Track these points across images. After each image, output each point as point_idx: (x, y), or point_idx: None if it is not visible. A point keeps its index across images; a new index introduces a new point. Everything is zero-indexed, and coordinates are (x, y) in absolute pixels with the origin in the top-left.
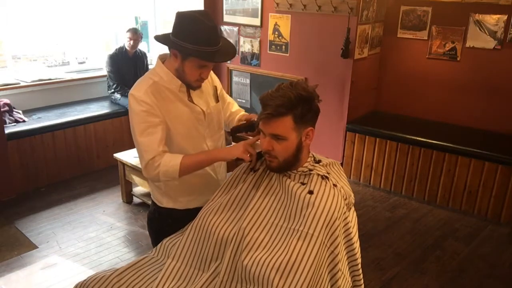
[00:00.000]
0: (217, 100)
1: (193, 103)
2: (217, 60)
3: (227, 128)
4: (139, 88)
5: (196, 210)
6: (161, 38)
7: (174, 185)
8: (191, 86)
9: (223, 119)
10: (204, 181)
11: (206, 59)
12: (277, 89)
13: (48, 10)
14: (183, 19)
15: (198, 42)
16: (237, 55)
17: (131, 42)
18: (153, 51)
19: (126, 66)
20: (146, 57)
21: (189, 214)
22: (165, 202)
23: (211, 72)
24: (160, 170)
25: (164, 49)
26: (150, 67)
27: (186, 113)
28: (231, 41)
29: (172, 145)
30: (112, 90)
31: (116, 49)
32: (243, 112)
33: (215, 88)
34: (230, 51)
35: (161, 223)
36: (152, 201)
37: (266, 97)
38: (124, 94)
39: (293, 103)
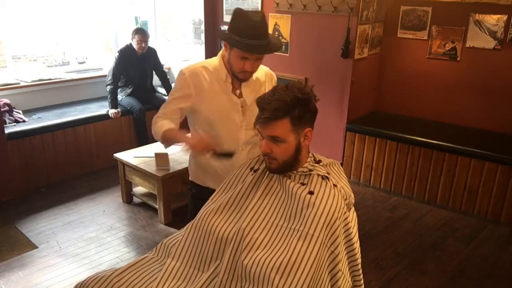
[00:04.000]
0: None
1: (235, 94)
2: (253, 51)
3: None
4: (189, 67)
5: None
6: (220, 32)
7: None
8: (237, 77)
9: None
10: (219, 167)
11: (243, 50)
12: (273, 92)
13: (48, 10)
14: (235, 14)
15: (242, 35)
16: None
17: (143, 44)
18: None
19: (133, 64)
20: (155, 52)
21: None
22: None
23: (273, 74)
24: (153, 128)
25: (167, 51)
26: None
27: (223, 100)
28: None
29: (207, 126)
30: (110, 85)
31: (126, 45)
32: None
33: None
34: (273, 46)
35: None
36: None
37: (263, 100)
38: (127, 94)
39: (289, 106)
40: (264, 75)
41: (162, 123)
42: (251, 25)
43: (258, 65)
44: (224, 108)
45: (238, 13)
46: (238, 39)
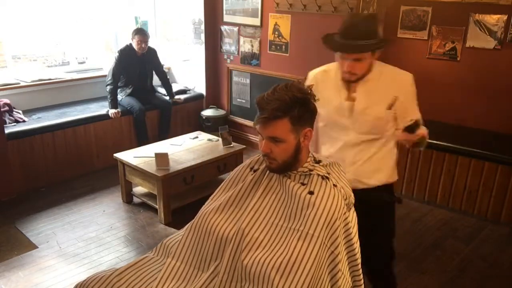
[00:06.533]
0: (388, 108)
1: (349, 98)
2: (338, 50)
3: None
4: (314, 71)
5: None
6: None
7: None
8: (344, 77)
9: (386, 127)
10: None
11: (333, 49)
12: (272, 92)
13: (48, 10)
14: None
15: (340, 35)
16: (237, 55)
17: (143, 44)
18: None
19: (133, 64)
20: (155, 52)
21: None
22: None
23: (401, 81)
24: None
25: (167, 51)
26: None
27: (333, 100)
28: (231, 40)
29: (320, 122)
30: (110, 85)
31: (126, 45)
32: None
33: (395, 98)
34: (362, 46)
35: None
36: None
37: (262, 100)
38: (127, 94)
39: (289, 106)
40: (390, 80)
41: None
42: (348, 25)
43: (360, 67)
44: (332, 108)
45: (348, 15)
46: (334, 39)
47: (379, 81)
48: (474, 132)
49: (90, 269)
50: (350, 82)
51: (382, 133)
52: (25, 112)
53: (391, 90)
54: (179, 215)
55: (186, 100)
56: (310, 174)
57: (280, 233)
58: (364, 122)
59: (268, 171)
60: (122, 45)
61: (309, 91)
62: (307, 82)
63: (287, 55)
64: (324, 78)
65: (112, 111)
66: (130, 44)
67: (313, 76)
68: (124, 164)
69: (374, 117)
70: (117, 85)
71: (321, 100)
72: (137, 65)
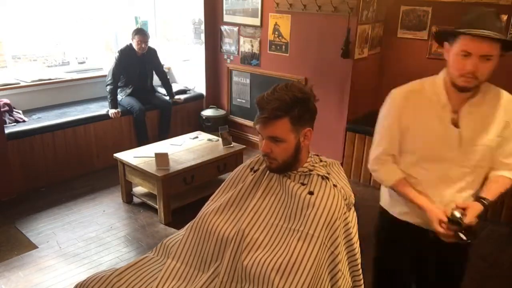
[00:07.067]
0: (499, 135)
1: (454, 124)
2: (476, 36)
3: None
4: (402, 88)
5: (407, 225)
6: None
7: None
8: (456, 84)
9: (495, 158)
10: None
11: (466, 34)
12: (272, 92)
13: (48, 10)
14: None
15: (465, 24)
16: (237, 55)
17: (142, 45)
18: None
19: (133, 64)
20: (155, 52)
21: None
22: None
23: (510, 103)
24: (377, 175)
25: (167, 51)
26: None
27: (435, 126)
28: (231, 40)
29: (408, 153)
30: (110, 85)
31: (126, 45)
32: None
33: (506, 124)
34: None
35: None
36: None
37: (262, 100)
38: (127, 94)
39: (289, 106)
40: (496, 101)
41: (386, 170)
42: (477, 13)
43: (485, 70)
44: (434, 139)
45: (470, 9)
46: (461, 30)
47: (485, 102)
48: None
49: (90, 269)
50: (464, 91)
51: (487, 166)
52: (25, 112)
53: (501, 114)
54: (179, 215)
55: (186, 100)
56: (310, 174)
57: (280, 233)
58: (471, 153)
59: (268, 172)
60: (122, 45)
61: (310, 91)
62: (392, 104)
63: (287, 55)
64: (417, 99)
65: (112, 111)
66: (130, 44)
67: (403, 97)
68: (124, 164)
69: (484, 146)
70: (117, 85)
71: (414, 127)
72: (137, 65)
